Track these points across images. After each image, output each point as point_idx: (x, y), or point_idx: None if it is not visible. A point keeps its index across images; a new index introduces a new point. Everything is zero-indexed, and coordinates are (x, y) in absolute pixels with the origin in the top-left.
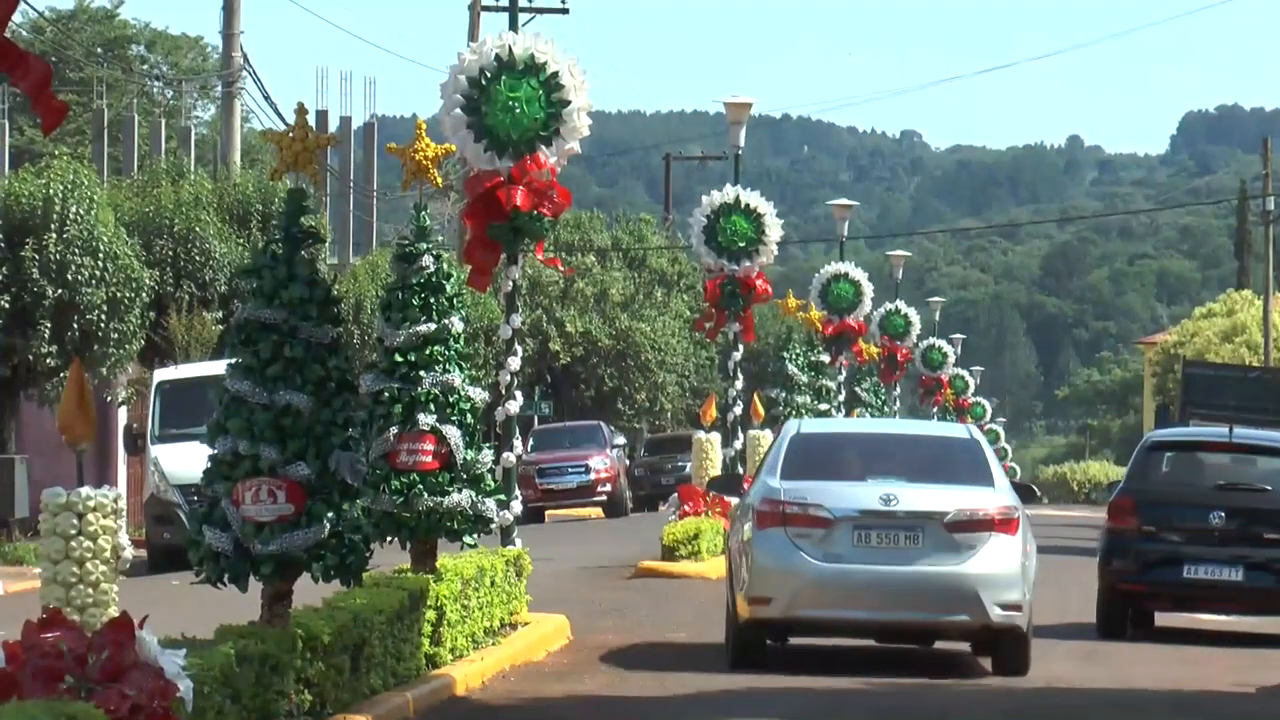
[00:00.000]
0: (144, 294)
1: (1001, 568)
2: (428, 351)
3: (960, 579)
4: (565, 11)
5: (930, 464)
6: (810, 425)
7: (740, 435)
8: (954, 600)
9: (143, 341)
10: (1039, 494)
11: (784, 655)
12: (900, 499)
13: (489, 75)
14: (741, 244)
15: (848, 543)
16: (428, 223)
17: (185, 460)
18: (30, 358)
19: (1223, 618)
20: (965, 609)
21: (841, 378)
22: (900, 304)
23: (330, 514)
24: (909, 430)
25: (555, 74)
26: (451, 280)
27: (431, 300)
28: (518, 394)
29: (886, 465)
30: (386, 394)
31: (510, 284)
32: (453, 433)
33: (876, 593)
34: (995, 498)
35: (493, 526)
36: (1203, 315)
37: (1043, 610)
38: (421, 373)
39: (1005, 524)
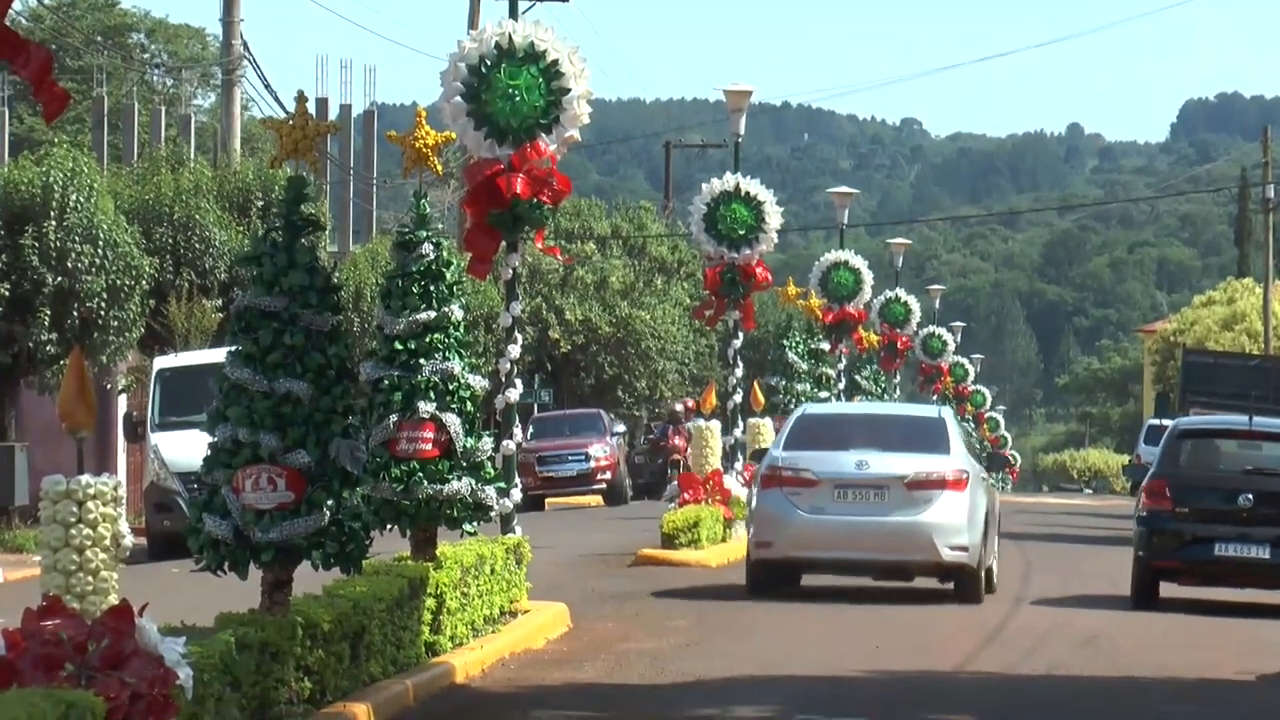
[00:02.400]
0: (144, 282)
1: (951, 518)
2: (428, 339)
3: (916, 526)
4: None
5: (900, 437)
6: (814, 408)
7: (740, 423)
8: (913, 543)
9: (142, 329)
10: (1013, 461)
11: (791, 591)
12: (871, 464)
13: (489, 63)
14: (741, 232)
15: (829, 499)
16: (428, 210)
17: (185, 448)
18: (30, 345)
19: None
20: (921, 550)
21: (841, 365)
22: (900, 292)
23: (330, 502)
24: (888, 411)
25: (555, 62)
26: (451, 268)
27: (431, 288)
28: (517, 382)
29: (866, 438)
30: (386, 382)
31: (510, 272)
32: (453, 420)
33: (852, 537)
34: (949, 463)
35: (492, 514)
36: (1203, 303)
37: (1044, 593)
38: (421, 360)
39: (956, 484)
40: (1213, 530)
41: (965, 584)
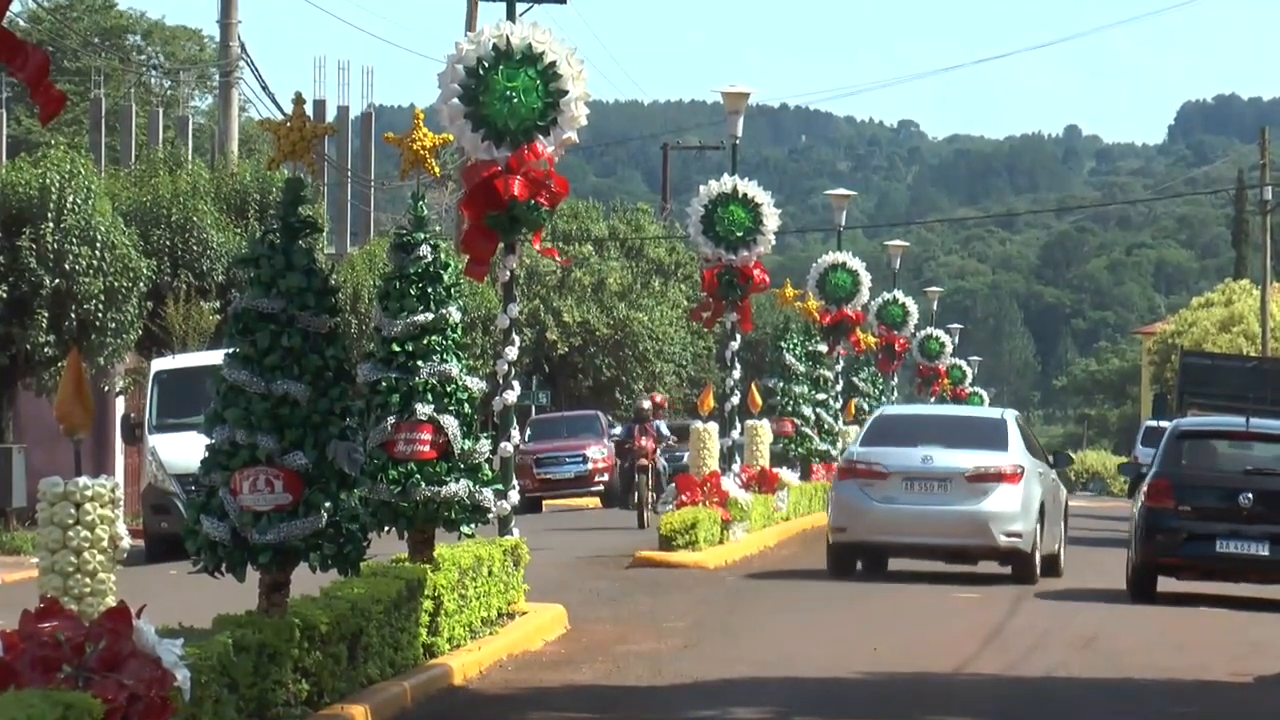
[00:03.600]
0: (141, 284)
1: (1006, 507)
2: (425, 341)
3: (975, 514)
4: (563, 1)
5: (965, 435)
6: (891, 409)
7: (738, 425)
8: (972, 529)
9: (140, 331)
10: (1071, 457)
11: (868, 572)
12: (935, 459)
13: (486, 65)
14: (739, 233)
15: (899, 489)
16: (425, 212)
17: (183, 450)
18: (28, 347)
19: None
20: (980, 535)
21: (839, 367)
22: (898, 293)
23: (328, 503)
24: (956, 412)
25: (553, 64)
26: (449, 270)
27: (429, 290)
28: (515, 383)
29: (933, 436)
30: (384, 383)
31: (508, 273)
32: (450, 422)
33: (918, 524)
34: (1006, 458)
35: (490, 516)
36: (1200, 305)
37: (1043, 594)
38: (419, 362)
39: (1012, 477)
40: (1214, 528)
41: (1020, 567)
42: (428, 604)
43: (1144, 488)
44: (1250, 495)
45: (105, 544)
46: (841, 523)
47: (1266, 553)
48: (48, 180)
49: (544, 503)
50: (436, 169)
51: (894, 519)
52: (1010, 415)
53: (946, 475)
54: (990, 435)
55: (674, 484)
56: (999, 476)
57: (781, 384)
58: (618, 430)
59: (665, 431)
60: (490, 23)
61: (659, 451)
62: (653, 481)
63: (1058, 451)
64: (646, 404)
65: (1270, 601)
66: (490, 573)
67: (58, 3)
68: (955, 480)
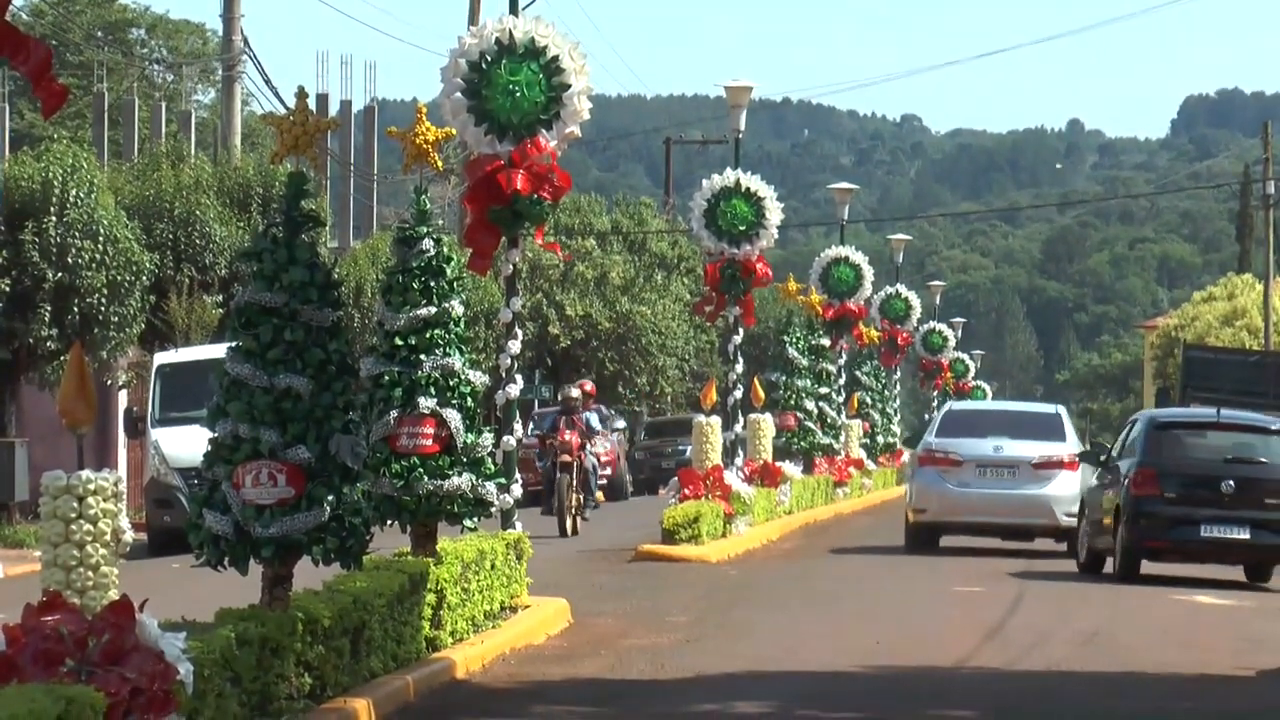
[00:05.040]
0: (144, 277)
1: (1067, 491)
2: (428, 335)
3: (1040, 498)
4: None
5: (1026, 427)
6: (958, 405)
7: (740, 419)
8: (1037, 511)
9: (143, 325)
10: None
11: (941, 548)
12: (1005, 449)
13: (489, 59)
14: (742, 228)
15: (972, 475)
16: (428, 206)
17: (185, 443)
18: (30, 341)
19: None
20: (1044, 516)
21: (842, 361)
22: (901, 288)
23: (330, 497)
24: (1016, 408)
25: (556, 58)
26: (452, 264)
27: (432, 284)
28: (518, 377)
29: (1000, 428)
30: (387, 377)
31: (510, 267)
32: (453, 416)
33: (989, 506)
34: (1066, 448)
35: (493, 510)
36: (1203, 299)
37: (1044, 589)
38: (422, 356)
39: (1071, 465)
40: (1198, 514)
41: (1073, 543)
42: (430, 598)
43: (1128, 476)
44: (1232, 482)
45: (108, 538)
46: (922, 505)
47: (1248, 536)
48: (50, 174)
49: None
50: (439, 163)
51: (969, 501)
52: (1062, 410)
53: (1015, 463)
54: (1050, 427)
55: (676, 478)
56: (1060, 464)
57: (784, 378)
58: (620, 424)
59: (595, 424)
60: (493, 17)
61: (587, 448)
62: (578, 481)
63: (1097, 443)
64: (575, 392)
65: (1274, 606)
66: (493, 566)
67: None
68: (1023, 467)
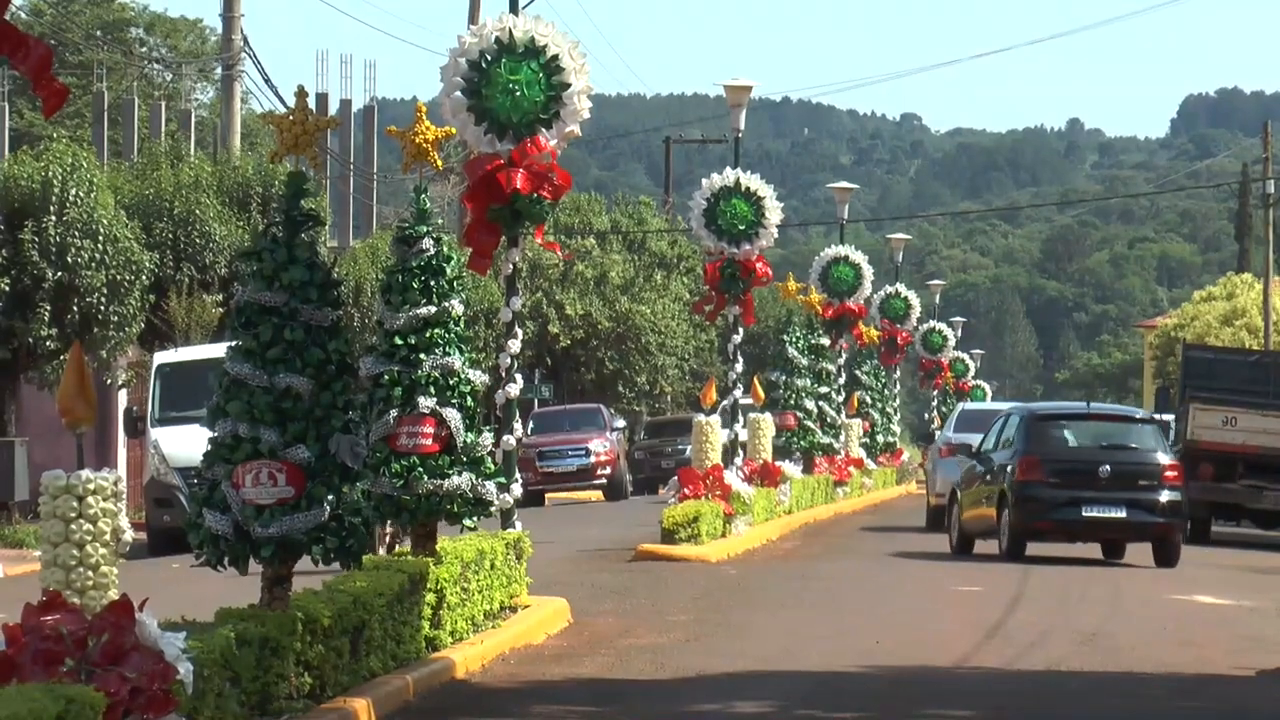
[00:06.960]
0: (144, 277)
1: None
2: (428, 334)
3: None
4: None
5: None
6: (968, 405)
7: (741, 418)
8: None
9: (143, 324)
10: None
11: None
12: None
13: (489, 58)
14: (741, 227)
15: None
16: (428, 205)
17: (185, 443)
18: (30, 340)
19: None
20: None
21: (841, 361)
22: (900, 287)
23: (330, 497)
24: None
25: (555, 57)
26: (451, 263)
27: (431, 283)
28: (518, 377)
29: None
30: (386, 377)
31: (510, 267)
32: (453, 415)
33: None
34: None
35: (493, 509)
36: (1203, 299)
37: (1043, 589)
38: (421, 355)
39: None
40: (1079, 495)
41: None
42: (430, 597)
43: (1013, 464)
44: (1108, 467)
45: (108, 537)
46: (943, 490)
47: (1124, 514)
48: (50, 173)
49: (546, 496)
50: (439, 162)
51: None
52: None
53: None
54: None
55: (676, 477)
56: None
57: (784, 377)
58: (621, 423)
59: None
60: (493, 16)
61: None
62: None
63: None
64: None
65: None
66: (493, 566)
67: None
68: None
